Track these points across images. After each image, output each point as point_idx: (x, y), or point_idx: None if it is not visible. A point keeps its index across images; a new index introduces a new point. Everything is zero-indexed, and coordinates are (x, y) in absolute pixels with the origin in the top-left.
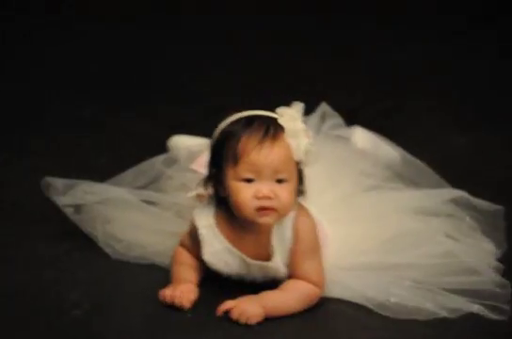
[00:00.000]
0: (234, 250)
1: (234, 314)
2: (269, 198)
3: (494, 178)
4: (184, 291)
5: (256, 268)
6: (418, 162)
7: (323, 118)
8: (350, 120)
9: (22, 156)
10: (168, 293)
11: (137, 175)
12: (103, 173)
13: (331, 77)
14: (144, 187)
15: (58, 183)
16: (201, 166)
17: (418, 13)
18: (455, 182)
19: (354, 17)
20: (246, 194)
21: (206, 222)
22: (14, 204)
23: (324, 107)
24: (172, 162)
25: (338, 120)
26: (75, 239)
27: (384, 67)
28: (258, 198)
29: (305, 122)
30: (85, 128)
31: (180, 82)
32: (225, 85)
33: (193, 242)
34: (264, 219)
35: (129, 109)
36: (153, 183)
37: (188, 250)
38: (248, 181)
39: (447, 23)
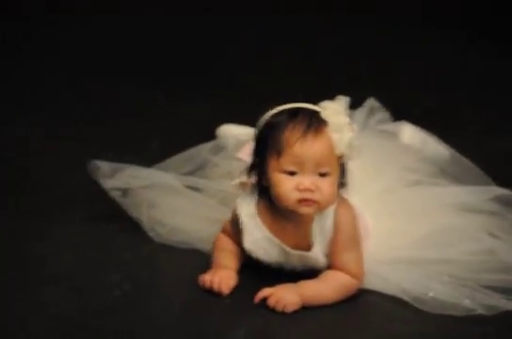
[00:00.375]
0: (274, 239)
1: (271, 302)
2: (311, 190)
3: None
4: (223, 277)
5: (295, 258)
6: (463, 159)
7: (370, 112)
8: (397, 116)
9: (73, 140)
10: (207, 278)
11: (184, 161)
12: (152, 158)
13: (378, 76)
14: (190, 174)
15: (106, 166)
16: (247, 154)
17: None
18: (501, 181)
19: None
20: (287, 186)
21: (248, 211)
22: (62, 187)
23: (371, 102)
24: (219, 150)
25: (385, 115)
26: (121, 222)
27: (432, 67)
28: (299, 190)
29: (351, 116)
30: (138, 113)
31: (232, 72)
32: (277, 77)
33: (234, 229)
34: (305, 210)
35: (182, 97)
36: (199, 170)
37: (230, 236)
38: (291, 173)
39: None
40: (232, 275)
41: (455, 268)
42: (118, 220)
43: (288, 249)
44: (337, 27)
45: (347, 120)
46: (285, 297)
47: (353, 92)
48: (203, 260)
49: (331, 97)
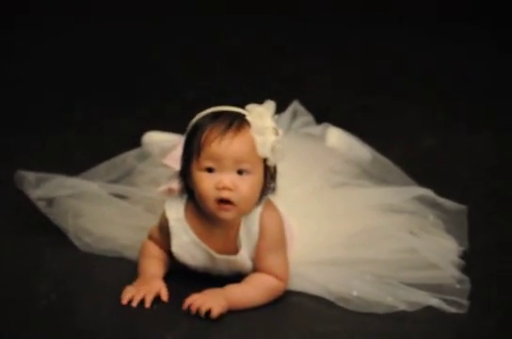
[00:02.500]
0: (201, 243)
1: (197, 307)
2: (229, 189)
3: (461, 179)
4: (147, 292)
5: (222, 262)
6: (386, 160)
7: (294, 115)
8: (321, 118)
9: None
10: (129, 295)
11: (110, 169)
12: (77, 167)
13: (306, 76)
14: (116, 182)
15: (31, 176)
16: (173, 160)
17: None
18: (422, 181)
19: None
20: (207, 184)
21: (176, 215)
22: None
23: (295, 105)
24: (144, 157)
25: (308, 118)
26: (47, 232)
27: (357, 66)
28: (218, 188)
29: (276, 120)
30: (63, 124)
31: (159, 80)
32: (206, 83)
33: (162, 234)
34: (224, 214)
35: (107, 105)
36: (125, 177)
37: (157, 242)
38: (210, 170)
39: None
40: (157, 285)
41: (377, 267)
42: (43, 231)
43: (214, 253)
44: (314, 27)
45: (272, 123)
46: (211, 301)
47: (325, 91)
48: (131, 267)
49: (304, 95)
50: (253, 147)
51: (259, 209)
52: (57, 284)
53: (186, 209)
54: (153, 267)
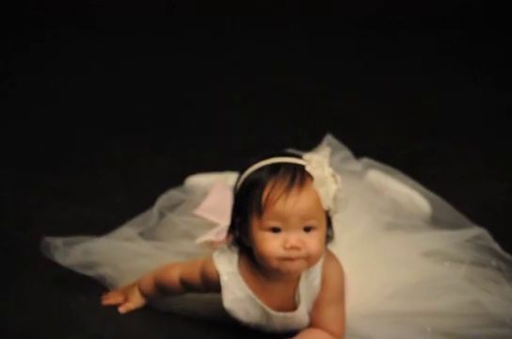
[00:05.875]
0: (257, 299)
1: None
2: (298, 248)
3: None
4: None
5: (279, 320)
6: (435, 197)
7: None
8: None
9: (41, 191)
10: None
11: (143, 222)
12: (118, 212)
13: (363, 119)
14: (150, 234)
15: (58, 242)
16: (205, 211)
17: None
18: (492, 230)
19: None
20: (272, 245)
21: (229, 269)
22: (20, 246)
23: (329, 139)
24: (174, 207)
25: (346, 152)
26: (82, 283)
27: (417, 110)
28: (286, 248)
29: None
30: (105, 164)
31: (202, 120)
32: (248, 121)
33: (203, 284)
34: (290, 267)
35: (149, 147)
36: (156, 229)
37: (184, 284)
38: (275, 230)
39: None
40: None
41: (439, 322)
42: (78, 282)
43: (271, 311)
44: (373, 72)
45: (331, 171)
46: None
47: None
48: (169, 318)
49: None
50: (318, 201)
51: (321, 260)
52: (91, 335)
53: (239, 263)
54: (150, 289)
